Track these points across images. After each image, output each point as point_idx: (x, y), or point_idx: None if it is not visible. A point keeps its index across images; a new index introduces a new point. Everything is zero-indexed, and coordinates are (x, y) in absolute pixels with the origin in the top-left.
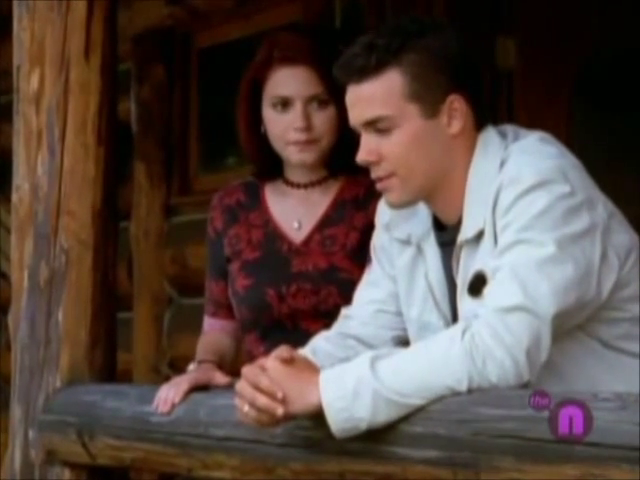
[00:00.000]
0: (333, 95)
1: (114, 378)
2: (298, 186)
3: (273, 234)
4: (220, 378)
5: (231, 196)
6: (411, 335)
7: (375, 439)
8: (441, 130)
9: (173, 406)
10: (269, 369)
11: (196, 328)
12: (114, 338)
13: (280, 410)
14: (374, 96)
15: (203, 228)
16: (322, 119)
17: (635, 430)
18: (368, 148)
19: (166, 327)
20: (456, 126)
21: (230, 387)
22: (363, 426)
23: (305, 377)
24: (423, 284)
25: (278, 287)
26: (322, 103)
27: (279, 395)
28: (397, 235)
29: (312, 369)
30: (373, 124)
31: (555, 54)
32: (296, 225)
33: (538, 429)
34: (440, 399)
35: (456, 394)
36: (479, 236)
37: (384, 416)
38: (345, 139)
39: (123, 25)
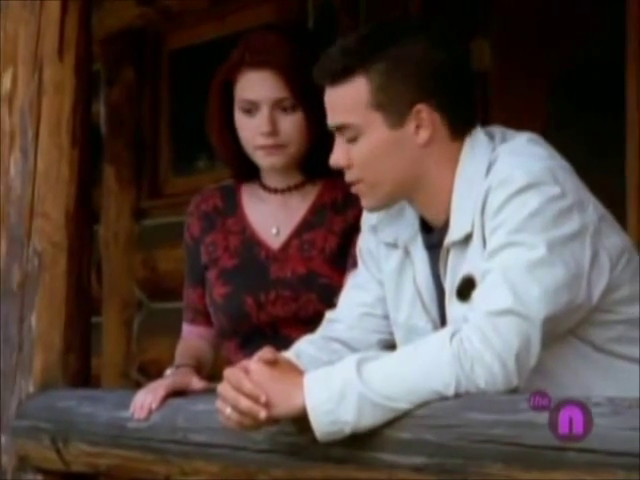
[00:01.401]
0: (301, 100)
1: (88, 383)
2: (276, 191)
3: (250, 240)
4: (197, 383)
5: (207, 202)
6: (398, 339)
7: (360, 445)
8: (408, 139)
9: (150, 412)
10: (252, 371)
11: (166, 332)
12: (88, 343)
13: (263, 413)
14: (341, 102)
15: (174, 231)
16: (289, 124)
17: (629, 435)
18: (339, 152)
19: (136, 332)
20: (423, 135)
21: (207, 392)
22: (348, 430)
23: (289, 379)
24: (411, 288)
25: (256, 295)
26: (289, 107)
27: (262, 398)
28: (384, 238)
29: (296, 371)
30: (341, 130)
31: (530, 55)
32: (274, 231)
33: (528, 435)
34: (427, 404)
35: (443, 399)
36: (467, 239)
37: (370, 420)
38: (319, 143)
39: (93, 25)
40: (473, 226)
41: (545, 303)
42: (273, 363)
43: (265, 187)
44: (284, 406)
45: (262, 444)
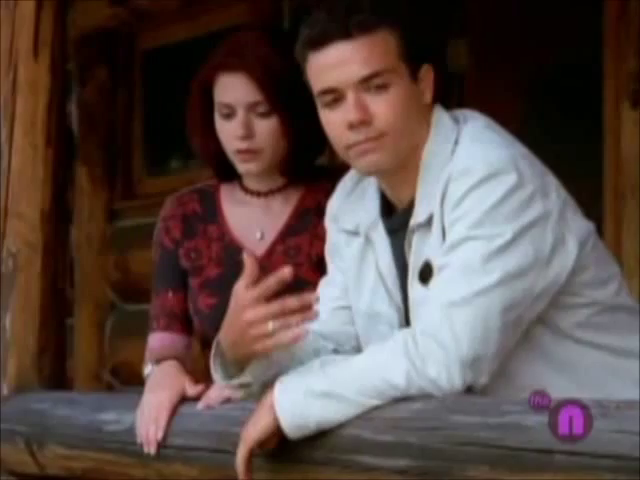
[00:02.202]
0: (276, 103)
1: (63, 385)
2: (258, 194)
3: (232, 247)
4: (191, 388)
5: (187, 205)
6: (360, 328)
7: (342, 448)
8: (419, 96)
9: (159, 445)
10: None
11: (139, 334)
12: (63, 344)
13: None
14: (373, 51)
15: (147, 233)
16: (264, 128)
17: (616, 438)
18: (361, 107)
19: (108, 333)
20: (428, 96)
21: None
22: (313, 425)
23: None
24: (373, 274)
25: None
26: (264, 111)
27: (313, 297)
28: (344, 226)
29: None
30: (368, 81)
31: (507, 56)
32: (259, 235)
33: (514, 437)
34: (410, 406)
35: (418, 398)
36: (430, 221)
37: (333, 414)
38: (298, 147)
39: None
40: (434, 212)
41: (502, 291)
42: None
43: (247, 190)
44: (255, 428)
45: None
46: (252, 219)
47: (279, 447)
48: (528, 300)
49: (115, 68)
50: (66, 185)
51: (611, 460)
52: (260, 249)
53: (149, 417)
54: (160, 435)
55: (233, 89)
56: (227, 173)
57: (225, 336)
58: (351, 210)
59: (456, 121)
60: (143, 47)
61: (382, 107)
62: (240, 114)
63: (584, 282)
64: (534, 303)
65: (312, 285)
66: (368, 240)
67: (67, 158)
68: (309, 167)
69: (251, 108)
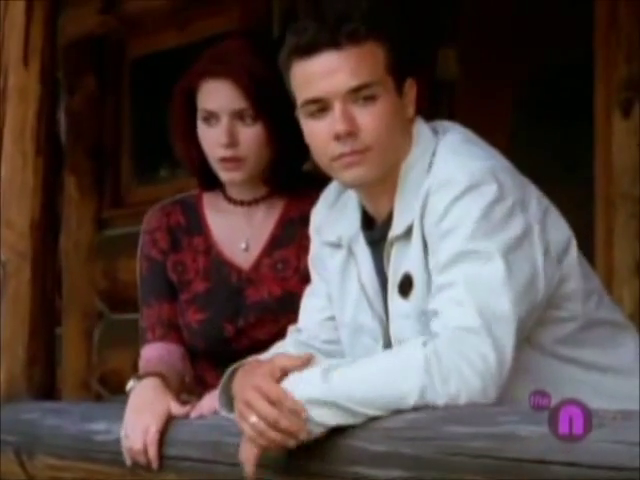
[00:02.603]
0: (261, 111)
1: (53, 395)
2: (242, 203)
3: (219, 261)
4: (176, 409)
5: (170, 217)
6: (344, 340)
7: (335, 458)
8: (403, 111)
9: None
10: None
11: (127, 343)
12: (53, 354)
13: (304, 434)
14: (362, 63)
15: (136, 241)
16: (248, 135)
17: (614, 448)
18: (348, 118)
19: (96, 343)
20: (411, 110)
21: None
22: (317, 431)
23: None
24: (355, 286)
25: (235, 321)
26: (249, 119)
27: (304, 414)
28: (327, 238)
29: None
30: (357, 92)
31: (498, 65)
32: (243, 246)
33: (511, 448)
34: (403, 416)
35: (413, 409)
36: (408, 233)
37: (335, 423)
38: (282, 156)
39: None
40: (413, 224)
41: (513, 314)
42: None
43: (230, 199)
44: None
45: (234, 457)
46: (236, 229)
47: (272, 458)
48: (531, 314)
49: (103, 76)
50: (56, 193)
51: (608, 471)
52: (247, 262)
53: (139, 449)
54: (156, 465)
55: (217, 96)
56: (210, 181)
57: (238, 386)
58: (334, 222)
59: (435, 132)
60: (132, 55)
61: (369, 119)
62: (224, 121)
63: (566, 294)
64: (533, 315)
65: (302, 298)
66: (350, 252)
67: (56, 166)
68: (293, 176)
69: (236, 115)
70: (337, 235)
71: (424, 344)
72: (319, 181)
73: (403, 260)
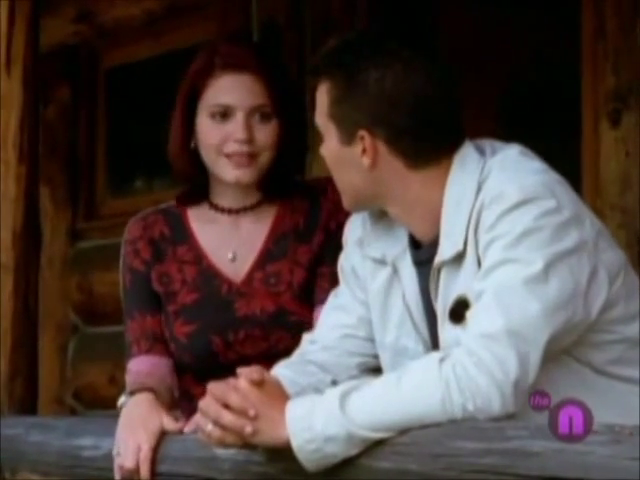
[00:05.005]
0: (279, 108)
1: (35, 410)
2: (229, 212)
3: (208, 271)
4: (170, 424)
5: (153, 227)
6: (384, 362)
7: (337, 475)
8: (356, 160)
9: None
10: (240, 389)
11: (102, 357)
12: (35, 368)
13: (249, 428)
14: (317, 101)
15: (110, 254)
16: (265, 133)
17: (630, 465)
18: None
19: (70, 356)
20: (366, 160)
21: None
22: (338, 460)
23: (276, 406)
24: (400, 307)
25: (224, 334)
26: (266, 115)
27: (251, 412)
28: (371, 253)
29: (283, 397)
30: None
31: (480, 76)
32: (230, 256)
33: (521, 464)
34: (409, 431)
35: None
36: (459, 258)
37: (358, 450)
38: (283, 157)
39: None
40: (466, 245)
41: (545, 322)
42: (260, 384)
43: (216, 207)
44: (268, 436)
45: (229, 474)
46: (222, 238)
47: (268, 474)
48: (565, 331)
49: (78, 86)
50: (38, 203)
51: None
52: (237, 275)
53: (128, 465)
54: None
55: (236, 89)
56: (196, 192)
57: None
58: (379, 238)
59: (482, 153)
60: (106, 65)
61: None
62: (240, 116)
63: (614, 318)
64: (569, 334)
65: (296, 315)
66: (395, 270)
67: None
68: (287, 183)
69: (253, 111)
70: (382, 252)
71: (441, 359)
72: (310, 190)
73: (454, 285)
